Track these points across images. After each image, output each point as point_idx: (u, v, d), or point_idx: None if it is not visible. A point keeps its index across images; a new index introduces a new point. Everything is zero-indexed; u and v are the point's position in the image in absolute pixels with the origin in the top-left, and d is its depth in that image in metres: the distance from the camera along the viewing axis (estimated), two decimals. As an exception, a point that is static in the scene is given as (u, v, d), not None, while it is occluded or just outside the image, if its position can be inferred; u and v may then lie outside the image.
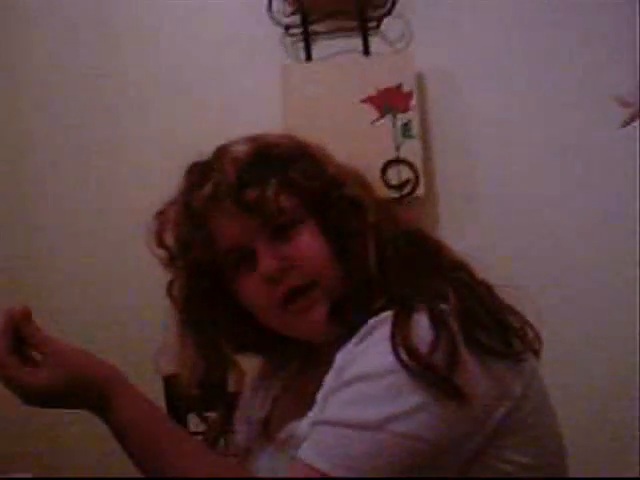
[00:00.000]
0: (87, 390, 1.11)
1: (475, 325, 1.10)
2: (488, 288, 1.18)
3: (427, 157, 2.55)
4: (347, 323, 1.16)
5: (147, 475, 1.12)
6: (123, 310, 2.60)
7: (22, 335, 1.10)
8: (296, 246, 1.17)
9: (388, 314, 1.11)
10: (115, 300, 2.63)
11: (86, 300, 2.67)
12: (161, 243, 1.22)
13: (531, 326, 1.18)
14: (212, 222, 1.19)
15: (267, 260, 1.16)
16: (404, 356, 1.06)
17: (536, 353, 1.18)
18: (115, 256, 2.64)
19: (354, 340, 1.13)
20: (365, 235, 1.17)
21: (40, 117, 2.72)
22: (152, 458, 1.11)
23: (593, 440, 2.38)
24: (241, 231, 1.18)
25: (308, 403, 1.17)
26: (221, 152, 1.22)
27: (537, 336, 1.18)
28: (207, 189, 1.18)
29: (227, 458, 1.14)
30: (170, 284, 1.23)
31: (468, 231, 2.51)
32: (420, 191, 2.48)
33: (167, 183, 1.20)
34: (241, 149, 1.20)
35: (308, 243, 1.17)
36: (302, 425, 1.16)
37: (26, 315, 1.11)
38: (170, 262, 1.23)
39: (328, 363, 1.15)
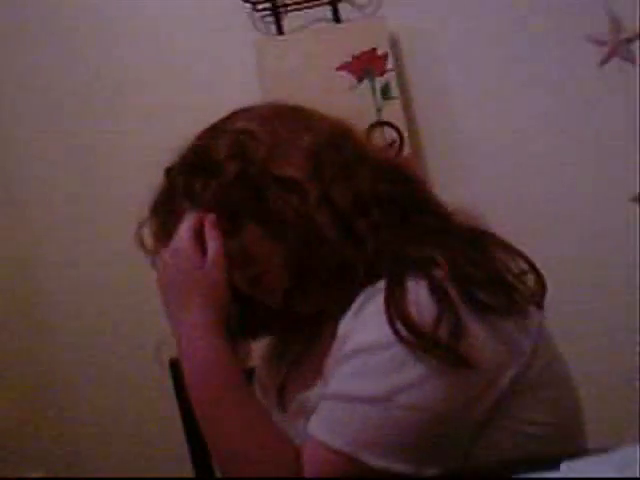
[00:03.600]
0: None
1: (473, 286, 1.08)
2: (480, 241, 1.15)
3: (410, 117, 2.55)
4: (314, 301, 1.18)
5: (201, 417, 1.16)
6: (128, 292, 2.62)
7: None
8: (240, 240, 1.18)
9: (382, 284, 1.10)
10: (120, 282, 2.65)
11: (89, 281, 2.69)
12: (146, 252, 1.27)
13: (535, 270, 1.16)
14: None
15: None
16: (401, 329, 1.05)
17: (539, 305, 1.16)
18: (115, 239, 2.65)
19: (351, 311, 1.13)
20: (306, 214, 1.14)
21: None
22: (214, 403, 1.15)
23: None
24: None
25: (317, 373, 1.18)
26: (182, 154, 1.25)
27: (540, 281, 1.16)
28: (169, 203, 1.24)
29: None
30: None
31: (458, 186, 2.50)
32: (406, 152, 2.48)
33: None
34: (189, 152, 1.24)
35: (247, 237, 1.18)
36: (311, 395, 1.17)
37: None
38: None
39: (334, 332, 1.15)
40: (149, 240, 1.26)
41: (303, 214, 1.14)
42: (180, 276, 1.18)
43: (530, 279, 1.16)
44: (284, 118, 1.23)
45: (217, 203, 1.19)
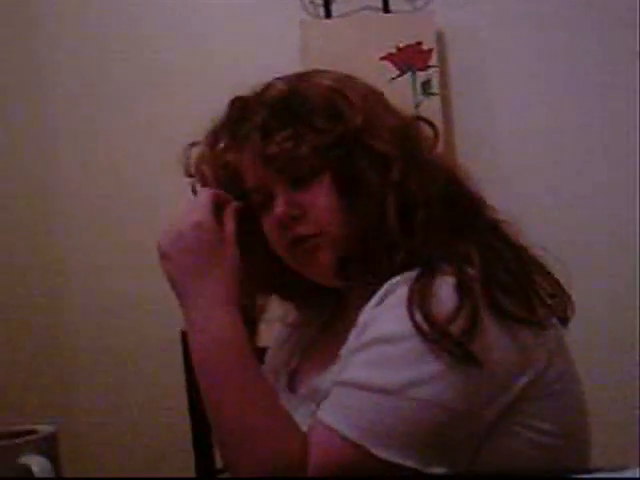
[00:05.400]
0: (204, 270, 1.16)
1: (499, 290, 1.08)
2: (520, 252, 1.16)
3: (447, 115, 2.53)
4: (359, 275, 1.16)
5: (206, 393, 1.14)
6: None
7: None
8: (308, 196, 1.17)
9: (409, 275, 1.10)
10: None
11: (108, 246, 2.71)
12: (188, 174, 1.26)
13: (564, 292, 1.17)
14: (237, 163, 1.22)
15: (281, 206, 1.18)
16: (420, 321, 1.06)
17: (564, 320, 1.17)
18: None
19: (374, 300, 1.12)
20: (383, 191, 1.15)
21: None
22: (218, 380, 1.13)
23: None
24: (263, 175, 1.20)
25: (332, 359, 1.17)
26: (261, 91, 1.22)
27: (569, 302, 1.17)
28: (235, 132, 1.22)
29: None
30: None
31: (487, 191, 2.49)
32: (439, 149, 2.46)
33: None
34: (277, 90, 1.20)
35: (319, 195, 1.17)
36: (324, 380, 1.16)
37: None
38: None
39: (353, 319, 1.15)
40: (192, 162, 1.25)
41: (382, 188, 1.14)
42: (202, 247, 1.17)
43: (559, 302, 1.17)
44: (365, 86, 1.24)
45: (299, 153, 1.17)
